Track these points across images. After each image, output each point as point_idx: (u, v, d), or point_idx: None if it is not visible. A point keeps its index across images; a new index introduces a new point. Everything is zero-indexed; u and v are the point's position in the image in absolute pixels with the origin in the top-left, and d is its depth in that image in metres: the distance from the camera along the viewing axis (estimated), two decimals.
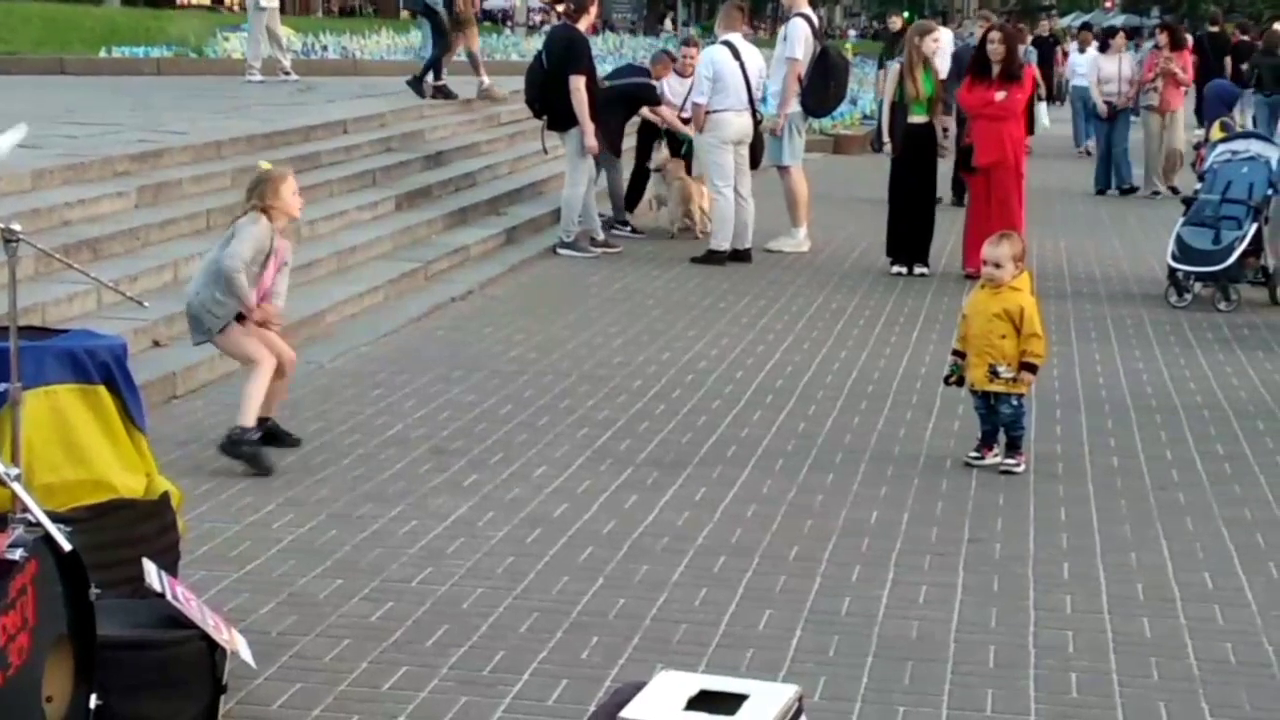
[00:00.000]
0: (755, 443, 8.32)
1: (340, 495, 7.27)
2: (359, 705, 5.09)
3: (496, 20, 52.17)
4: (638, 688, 4.24)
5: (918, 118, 13.41)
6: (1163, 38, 20.00)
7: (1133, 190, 20.03)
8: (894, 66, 14.01)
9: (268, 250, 7.69)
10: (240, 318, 7.74)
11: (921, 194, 13.59)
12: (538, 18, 52.97)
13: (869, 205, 17.33)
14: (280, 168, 8.01)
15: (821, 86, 14.75)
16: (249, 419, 7.66)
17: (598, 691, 5.17)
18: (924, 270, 13.60)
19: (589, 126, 13.75)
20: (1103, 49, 21.70)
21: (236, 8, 31.04)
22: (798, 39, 14.48)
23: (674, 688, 4.20)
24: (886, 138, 13.73)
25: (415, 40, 24.73)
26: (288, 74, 21.05)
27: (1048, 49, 30.01)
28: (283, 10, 22.57)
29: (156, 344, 9.29)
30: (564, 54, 13.87)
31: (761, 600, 6.09)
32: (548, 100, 13.99)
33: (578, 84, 13.75)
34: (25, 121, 5.65)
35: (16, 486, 4.14)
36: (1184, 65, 19.74)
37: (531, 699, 5.17)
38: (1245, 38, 25.60)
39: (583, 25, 14.28)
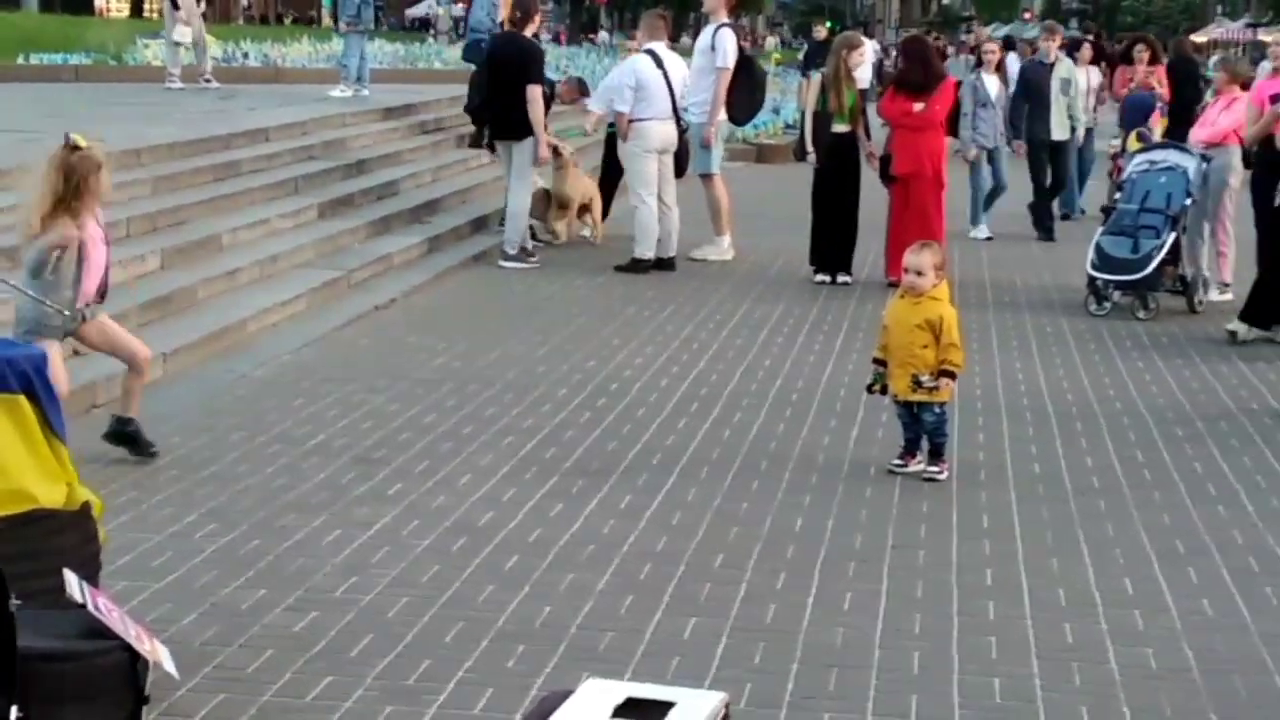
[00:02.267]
0: (680, 451, 8.33)
1: (263, 505, 7.22)
2: (282, 716, 5.06)
3: (417, 29, 52.03)
4: (564, 696, 4.23)
5: (840, 127, 13.49)
6: (1144, 52, 18.99)
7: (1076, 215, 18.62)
8: (816, 76, 14.09)
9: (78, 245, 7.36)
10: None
11: (844, 203, 13.65)
12: (464, 26, 52.85)
13: (792, 214, 17.39)
14: (91, 148, 7.34)
15: (747, 96, 14.84)
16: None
17: (524, 700, 5.15)
18: (847, 279, 13.66)
19: (543, 136, 13.84)
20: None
21: (156, 15, 30.79)
22: (728, 49, 14.53)
23: (600, 696, 4.19)
24: (811, 147, 13.78)
25: (336, 48, 24.63)
26: (208, 81, 20.95)
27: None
28: (205, 18, 22.42)
29: (76, 353, 9.17)
30: (519, 63, 13.85)
31: (687, 608, 6.09)
32: (497, 110, 13.94)
33: (535, 94, 13.82)
34: None
35: None
36: (1160, 79, 18.58)
37: (457, 708, 5.15)
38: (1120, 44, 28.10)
39: (528, 33, 14.30)
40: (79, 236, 7.29)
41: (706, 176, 14.97)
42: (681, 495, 7.56)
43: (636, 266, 13.97)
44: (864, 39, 15.45)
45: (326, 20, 53.01)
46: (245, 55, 27.58)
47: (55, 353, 7.32)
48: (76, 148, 7.23)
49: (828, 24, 32.11)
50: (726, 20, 14.86)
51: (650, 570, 6.50)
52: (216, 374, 9.65)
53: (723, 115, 14.85)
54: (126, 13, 53.66)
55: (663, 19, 14.92)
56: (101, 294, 7.66)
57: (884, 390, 8.06)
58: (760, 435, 8.70)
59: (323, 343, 10.76)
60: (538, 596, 6.18)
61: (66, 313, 6.90)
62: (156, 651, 4.87)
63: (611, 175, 15.84)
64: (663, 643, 5.75)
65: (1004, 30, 51.53)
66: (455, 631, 5.80)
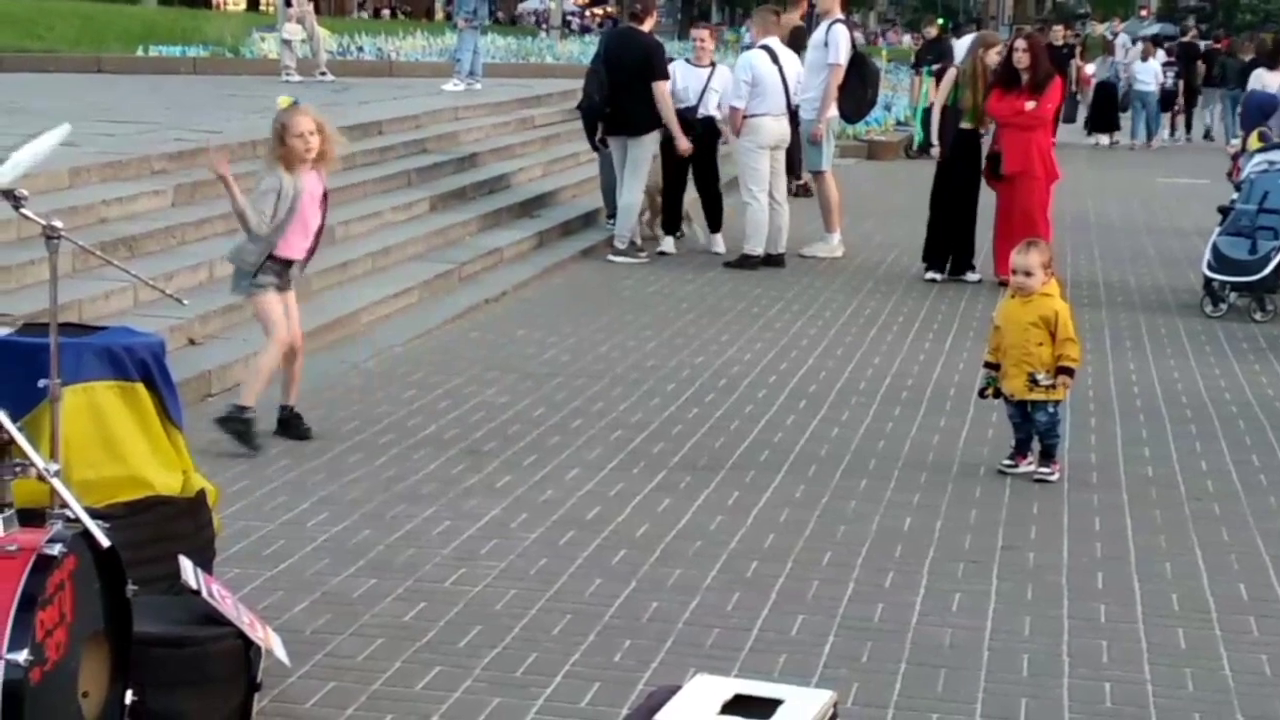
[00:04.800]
0: (789, 448, 8.31)
1: (374, 495, 7.28)
2: (392, 705, 5.10)
3: (530, 23, 52.22)
4: (672, 691, 4.23)
5: (967, 124, 13.39)
6: None
7: None
8: (951, 72, 14.03)
9: (291, 195, 7.86)
10: (278, 286, 8.00)
11: (966, 200, 13.56)
12: (575, 21, 52.94)
13: (902, 211, 17.31)
14: (290, 109, 8.00)
15: (859, 93, 14.81)
16: (250, 397, 7.94)
17: (630, 695, 5.17)
18: (976, 277, 13.53)
19: (677, 129, 13.90)
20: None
21: (272, 8, 31.16)
22: (841, 45, 14.49)
23: (708, 692, 4.19)
24: (936, 141, 13.70)
25: (450, 42, 24.78)
26: (324, 74, 21.14)
27: (1060, 60, 27.06)
28: (318, 12, 22.63)
29: (192, 342, 9.33)
30: (643, 60, 13.85)
31: (794, 605, 6.08)
32: (618, 105, 13.91)
33: (663, 90, 13.81)
34: (64, 119, 5.65)
35: (56, 482, 4.16)
36: None
37: (564, 701, 5.17)
38: (1216, 45, 30.32)
39: (647, 27, 14.30)
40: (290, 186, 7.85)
41: (817, 174, 14.92)
42: (789, 492, 7.54)
43: (746, 263, 13.95)
44: (999, 37, 15.24)
45: (439, 14, 53.37)
46: (360, 49, 27.80)
47: (273, 302, 7.95)
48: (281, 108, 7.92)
49: (939, 20, 31.78)
50: (840, 16, 14.80)
51: (757, 567, 6.49)
52: (329, 364, 9.73)
53: (834, 112, 14.80)
54: (243, 6, 54.27)
55: (776, 14, 14.86)
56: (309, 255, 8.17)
57: (997, 394, 7.99)
58: (869, 433, 8.66)
59: (433, 335, 10.83)
60: (645, 591, 6.18)
61: (184, 301, 6.96)
62: (269, 638, 4.93)
63: (673, 179, 14.83)
64: (770, 640, 5.74)
65: (1121, 28, 50.88)
66: (563, 625, 5.82)
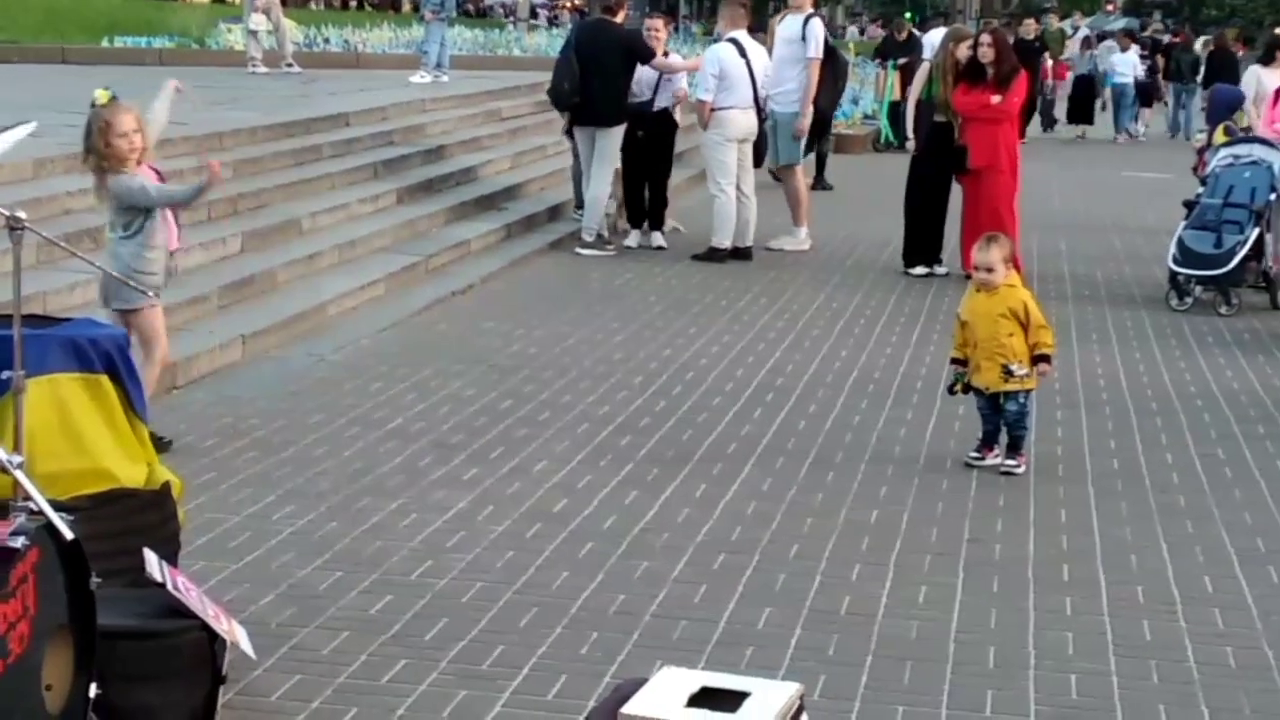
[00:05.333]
0: (756, 440, 8.31)
1: (340, 488, 7.26)
2: (358, 697, 5.08)
3: (499, 16, 52.13)
4: (639, 684, 4.23)
5: (941, 117, 13.40)
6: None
7: None
8: (924, 66, 14.06)
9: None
10: None
11: (938, 193, 13.59)
12: (544, 14, 52.82)
13: (870, 205, 17.33)
14: (111, 105, 7.50)
15: (830, 86, 14.86)
16: None
17: (598, 687, 5.16)
18: (944, 270, 13.56)
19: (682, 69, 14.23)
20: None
21: (239, 1, 31.09)
22: (819, 39, 14.54)
23: (675, 684, 4.19)
24: (910, 134, 13.74)
25: (417, 34, 24.73)
26: (290, 66, 21.08)
27: (1031, 55, 26.65)
28: (285, 3, 22.55)
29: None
30: (620, 50, 13.83)
31: (761, 598, 6.08)
32: (587, 96, 13.88)
33: (662, 64, 14.11)
34: (26, 110, 5.62)
35: (19, 474, 4.13)
36: None
37: (531, 694, 5.16)
38: (1175, 39, 32.71)
39: (620, 19, 14.32)
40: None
41: (788, 167, 14.93)
42: (757, 485, 7.54)
43: (714, 255, 13.95)
44: (971, 31, 15.27)
45: (406, 6, 53.24)
46: (326, 40, 27.72)
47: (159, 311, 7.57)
48: (93, 104, 7.44)
49: (907, 15, 31.80)
50: (812, 10, 14.82)
51: (725, 560, 6.50)
52: (295, 357, 9.70)
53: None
54: None
55: (744, 7, 14.85)
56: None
57: (966, 389, 8.01)
58: (836, 426, 8.66)
59: (401, 327, 10.80)
60: (612, 584, 6.18)
61: (150, 293, 6.94)
62: (234, 631, 4.91)
63: (634, 171, 14.64)
64: (737, 632, 5.74)
65: (1085, 23, 51.00)
66: (529, 617, 5.81)
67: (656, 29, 14.78)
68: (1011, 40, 16.47)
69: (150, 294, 6.90)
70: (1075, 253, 15.29)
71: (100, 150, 7.42)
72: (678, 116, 14.69)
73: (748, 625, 5.82)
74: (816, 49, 14.53)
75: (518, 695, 5.15)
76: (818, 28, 14.62)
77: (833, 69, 14.89)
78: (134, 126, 7.44)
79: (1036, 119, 28.72)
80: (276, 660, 5.31)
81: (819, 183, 19.24)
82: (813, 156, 15.34)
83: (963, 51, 13.39)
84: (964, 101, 13.12)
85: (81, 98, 7.10)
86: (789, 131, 14.69)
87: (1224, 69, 26.28)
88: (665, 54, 14.70)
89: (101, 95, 7.43)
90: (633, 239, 14.56)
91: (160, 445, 7.36)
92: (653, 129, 14.30)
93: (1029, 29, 28.35)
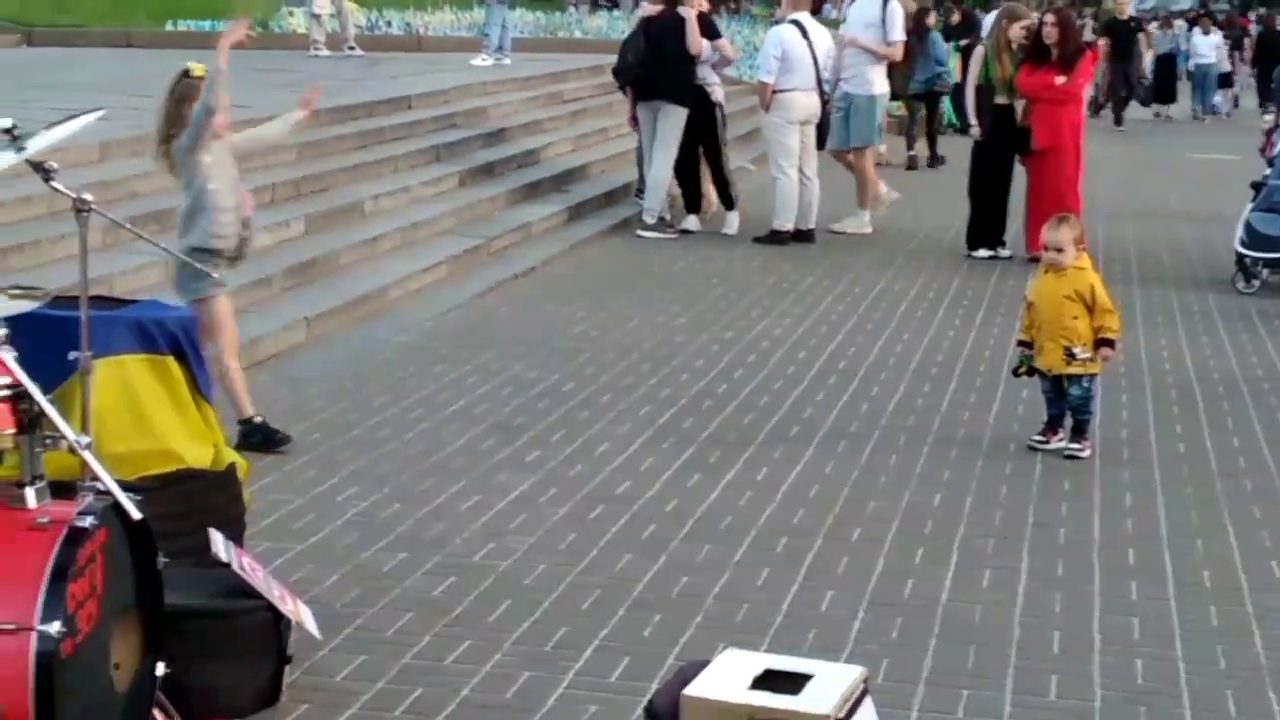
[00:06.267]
0: (818, 423, 8.29)
1: (404, 470, 7.29)
2: (422, 678, 5.10)
3: None
4: (702, 666, 4.23)
5: (1002, 99, 13.32)
6: None
7: None
8: (979, 50, 13.96)
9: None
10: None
11: (1001, 174, 13.51)
12: None
13: (933, 186, 17.25)
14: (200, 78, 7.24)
15: (906, 69, 14.93)
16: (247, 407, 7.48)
17: (660, 669, 5.16)
18: (1007, 253, 13.48)
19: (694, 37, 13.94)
20: None
21: None
22: (899, 22, 14.56)
23: (738, 666, 4.19)
24: (974, 120, 13.63)
25: (479, 17, 24.74)
26: (352, 49, 21.14)
27: (1126, 35, 27.15)
28: None
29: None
30: (678, 28, 13.81)
31: (824, 581, 6.07)
32: (651, 71, 13.87)
33: (717, 44, 14.07)
34: (92, 93, 5.65)
35: (87, 455, 4.16)
36: None
37: (594, 675, 5.17)
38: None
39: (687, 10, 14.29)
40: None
41: (860, 149, 14.85)
42: (819, 468, 7.53)
43: (775, 238, 13.92)
44: (1025, 9, 15.20)
45: None
46: (388, 23, 27.77)
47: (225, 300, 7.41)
48: (187, 74, 7.25)
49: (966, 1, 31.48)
50: None
51: (787, 543, 6.48)
52: (359, 339, 9.74)
53: (885, 88, 14.82)
54: None
55: None
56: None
57: (1031, 372, 7.96)
58: (899, 409, 8.63)
59: (463, 310, 10.83)
60: (675, 566, 6.18)
61: (214, 274, 6.92)
62: (299, 612, 4.93)
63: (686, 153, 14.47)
64: (799, 615, 5.73)
65: (1150, 3, 50.58)
66: (592, 599, 5.82)
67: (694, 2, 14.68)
68: (1097, 20, 16.41)
69: (214, 274, 6.85)
70: (1141, 235, 15.16)
71: (184, 117, 7.21)
72: (718, 95, 14.54)
73: (810, 608, 5.81)
74: (899, 32, 14.55)
75: (581, 677, 5.16)
76: (897, 11, 14.63)
77: (908, 51, 14.98)
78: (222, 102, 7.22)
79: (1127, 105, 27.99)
80: (341, 641, 5.34)
81: (934, 160, 19.80)
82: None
83: (1015, 31, 13.30)
84: (1028, 82, 13.02)
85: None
86: (863, 114, 14.64)
87: (1273, 50, 26.37)
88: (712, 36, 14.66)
89: (196, 68, 7.30)
90: (691, 222, 14.53)
91: (276, 441, 7.43)
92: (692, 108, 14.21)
93: (1121, 8, 27.82)
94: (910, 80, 19.05)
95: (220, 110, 7.19)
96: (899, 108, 19.71)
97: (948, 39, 24.82)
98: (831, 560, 6.30)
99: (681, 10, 14.00)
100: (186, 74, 7.27)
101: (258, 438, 7.41)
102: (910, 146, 19.99)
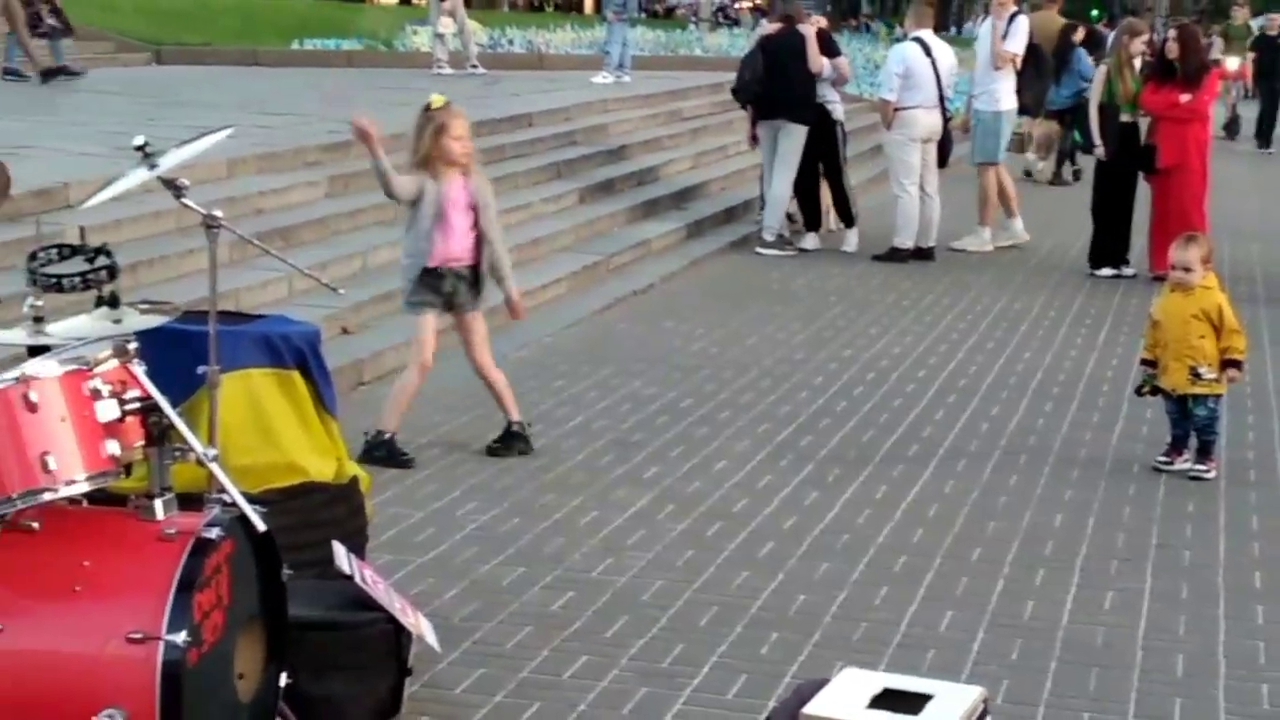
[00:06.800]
0: (938, 442, 8.24)
1: (523, 484, 7.33)
2: (540, 692, 5.13)
3: (675, 15, 52.19)
4: (820, 684, 4.22)
5: (1126, 117, 13.18)
6: None
7: None
8: (1101, 69, 13.83)
9: (436, 200, 7.53)
10: (436, 304, 7.66)
11: (1124, 193, 13.36)
12: (734, 11, 52.65)
13: (1055, 204, 17.09)
14: (446, 108, 7.62)
15: (1037, 85, 14.78)
16: (389, 421, 7.64)
17: (777, 687, 5.16)
18: (1130, 271, 13.33)
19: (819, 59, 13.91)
20: None
21: (425, 1, 31.46)
22: (1019, 34, 14.44)
23: (857, 686, 4.17)
24: (1098, 140, 13.46)
25: (599, 35, 24.86)
26: (474, 67, 21.31)
27: (1274, 53, 25.88)
28: (469, 4, 22.81)
29: (345, 331, 9.45)
30: (798, 47, 13.79)
31: (943, 601, 6.03)
32: (770, 90, 13.87)
33: (837, 64, 14.01)
34: (219, 111, 5.75)
35: (214, 467, 4.22)
36: None
37: (711, 692, 5.17)
38: None
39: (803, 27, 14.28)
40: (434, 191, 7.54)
41: (984, 165, 14.74)
42: (938, 487, 7.48)
43: (895, 255, 13.86)
44: (1145, 25, 15.04)
45: (589, 7, 53.56)
46: (510, 42, 27.97)
47: (428, 323, 7.66)
48: (428, 108, 7.58)
49: (1094, 14, 31.22)
50: (1016, 9, 14.71)
51: (906, 562, 6.45)
52: None
53: (1012, 104, 14.70)
54: None
55: (931, 6, 14.73)
56: (475, 266, 7.71)
57: (1154, 392, 7.87)
58: (1019, 428, 8.56)
59: (582, 326, 10.87)
60: (792, 584, 6.17)
61: (340, 291, 6.99)
62: (420, 625, 4.97)
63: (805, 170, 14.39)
64: (918, 635, 5.70)
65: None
66: (709, 616, 5.82)
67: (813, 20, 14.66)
68: (1226, 38, 16.21)
69: (339, 290, 6.94)
70: (1267, 255, 14.90)
71: (429, 152, 7.52)
72: (839, 113, 14.46)
73: (929, 628, 5.77)
74: (1015, 43, 14.42)
75: (698, 694, 5.16)
76: (1022, 23, 14.53)
77: (1037, 69, 14.79)
78: (467, 132, 7.59)
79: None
80: (460, 654, 5.38)
81: (1058, 178, 19.64)
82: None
83: (1136, 46, 13.15)
84: (1152, 100, 12.88)
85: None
86: (989, 130, 14.55)
87: None
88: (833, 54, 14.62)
89: (437, 100, 7.62)
90: (810, 240, 14.49)
91: (402, 462, 7.53)
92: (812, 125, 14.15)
93: (1273, 24, 26.72)
94: (1054, 95, 18.81)
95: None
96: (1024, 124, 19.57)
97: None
98: (951, 580, 6.25)
99: (801, 28, 13.99)
100: (427, 108, 7.62)
101: (382, 452, 7.50)
102: (1061, 162, 19.79)
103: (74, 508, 4.11)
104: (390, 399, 7.75)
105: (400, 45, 26.32)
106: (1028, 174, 19.42)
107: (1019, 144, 19.98)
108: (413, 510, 6.90)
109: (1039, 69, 15.03)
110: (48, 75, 17.60)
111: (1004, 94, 14.63)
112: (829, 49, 14.18)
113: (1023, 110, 15.32)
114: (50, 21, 17.97)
